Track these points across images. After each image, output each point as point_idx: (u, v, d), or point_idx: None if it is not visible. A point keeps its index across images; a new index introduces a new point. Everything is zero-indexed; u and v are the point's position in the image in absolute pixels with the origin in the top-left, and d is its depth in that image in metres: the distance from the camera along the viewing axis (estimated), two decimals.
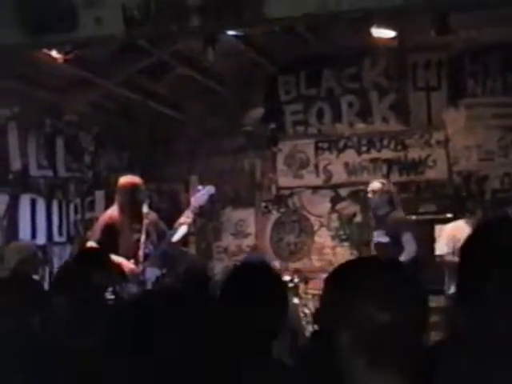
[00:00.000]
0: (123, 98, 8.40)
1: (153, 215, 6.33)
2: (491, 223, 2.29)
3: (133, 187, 6.30)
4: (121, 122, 8.90)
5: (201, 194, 6.30)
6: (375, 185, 7.24)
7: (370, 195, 7.22)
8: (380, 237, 7.01)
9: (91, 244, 6.11)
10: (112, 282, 4.26)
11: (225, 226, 9.38)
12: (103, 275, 3.91)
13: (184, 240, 6.68)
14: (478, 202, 7.94)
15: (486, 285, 1.88)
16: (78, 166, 8.46)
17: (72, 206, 8.31)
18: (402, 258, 6.43)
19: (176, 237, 6.17)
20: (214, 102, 9.12)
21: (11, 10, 4.91)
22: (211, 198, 6.52)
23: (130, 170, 8.10)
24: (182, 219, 6.18)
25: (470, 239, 2.06)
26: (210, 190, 6.39)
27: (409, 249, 6.68)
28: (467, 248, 2.04)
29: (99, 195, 8.63)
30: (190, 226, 6.26)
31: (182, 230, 6.16)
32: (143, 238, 6.06)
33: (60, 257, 7.84)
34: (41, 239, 7.72)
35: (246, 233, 9.33)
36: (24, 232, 7.47)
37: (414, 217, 8.01)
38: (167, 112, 9.03)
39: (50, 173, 8.00)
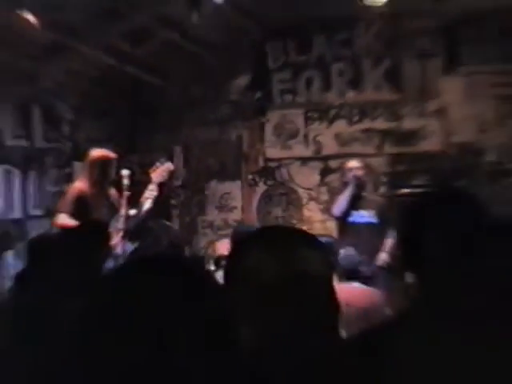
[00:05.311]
0: (102, 64, 8.05)
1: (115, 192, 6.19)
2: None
3: (105, 161, 6.11)
4: (100, 90, 8.50)
5: (161, 171, 6.11)
6: (358, 163, 7.05)
7: (358, 172, 6.93)
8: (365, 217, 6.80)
9: (63, 217, 5.85)
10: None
11: (210, 199, 9.19)
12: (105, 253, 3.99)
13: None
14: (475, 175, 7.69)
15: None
16: (56, 137, 8.21)
17: (49, 178, 8.09)
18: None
19: (143, 211, 6.04)
20: (199, 68, 8.86)
21: None
22: (171, 175, 6.44)
23: (111, 140, 7.95)
24: (147, 193, 6.00)
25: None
26: (168, 166, 6.18)
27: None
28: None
29: (78, 167, 8.19)
30: (154, 201, 6.09)
31: (146, 205, 5.99)
32: (124, 211, 5.90)
33: (37, 231, 7.14)
34: (16, 213, 7.50)
35: (231, 206, 9.13)
36: None
37: (407, 190, 7.81)
38: (149, 79, 8.75)
39: (25, 143, 7.78)
